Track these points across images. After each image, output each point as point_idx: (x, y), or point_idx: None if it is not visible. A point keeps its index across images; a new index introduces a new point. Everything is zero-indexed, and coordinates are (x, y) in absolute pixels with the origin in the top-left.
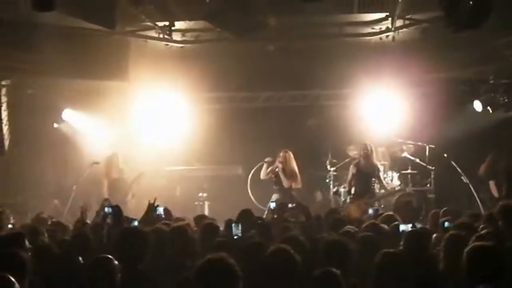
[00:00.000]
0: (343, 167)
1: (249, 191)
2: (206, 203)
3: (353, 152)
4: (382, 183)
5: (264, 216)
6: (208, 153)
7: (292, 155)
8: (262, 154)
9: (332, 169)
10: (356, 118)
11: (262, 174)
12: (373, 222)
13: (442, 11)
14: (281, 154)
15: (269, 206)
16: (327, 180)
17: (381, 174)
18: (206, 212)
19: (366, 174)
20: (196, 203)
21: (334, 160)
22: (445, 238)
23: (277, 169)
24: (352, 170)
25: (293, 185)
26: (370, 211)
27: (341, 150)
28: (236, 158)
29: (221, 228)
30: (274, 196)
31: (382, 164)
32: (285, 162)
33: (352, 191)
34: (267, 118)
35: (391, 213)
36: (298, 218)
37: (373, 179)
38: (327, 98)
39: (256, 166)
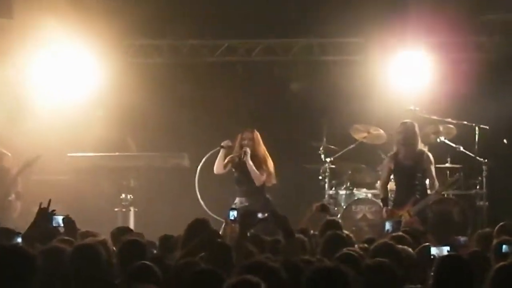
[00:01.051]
0: (344, 157)
1: (197, 191)
2: (132, 210)
3: (360, 134)
4: (434, 180)
5: (221, 232)
6: (136, 132)
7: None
8: (218, 135)
9: (328, 160)
10: (366, 82)
11: (217, 166)
12: (386, 242)
13: None
14: (246, 134)
15: (228, 216)
16: (321, 177)
17: (432, 167)
18: (131, 224)
19: (409, 168)
20: (117, 209)
21: (332, 147)
22: (498, 269)
23: (242, 157)
24: (388, 164)
25: (267, 182)
26: (388, 225)
27: (343, 131)
28: (179, 142)
29: (154, 250)
30: (237, 200)
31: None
32: (253, 145)
33: (387, 196)
34: (227, 80)
35: (418, 227)
36: (274, 235)
37: (419, 174)
38: (322, 50)
39: (209, 154)
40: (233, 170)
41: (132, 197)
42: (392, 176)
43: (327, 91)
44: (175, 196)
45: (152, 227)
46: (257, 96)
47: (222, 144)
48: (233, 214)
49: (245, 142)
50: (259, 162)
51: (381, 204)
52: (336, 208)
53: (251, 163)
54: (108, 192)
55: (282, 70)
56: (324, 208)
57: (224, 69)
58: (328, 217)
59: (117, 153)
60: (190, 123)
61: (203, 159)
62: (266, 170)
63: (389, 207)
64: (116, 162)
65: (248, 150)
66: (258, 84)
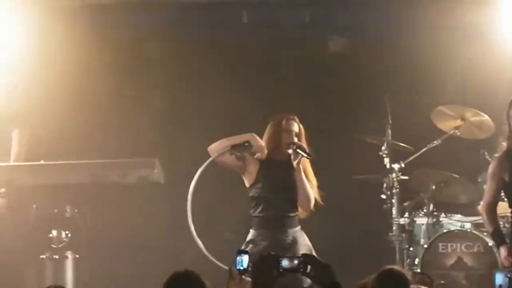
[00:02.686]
0: (423, 161)
1: (190, 221)
2: (70, 257)
3: (448, 122)
4: None
5: None
6: (76, 125)
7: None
8: (218, 128)
9: (395, 166)
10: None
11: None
12: None
13: None
14: (288, 123)
15: (235, 263)
16: (384, 196)
17: None
18: (69, 280)
19: None
20: (45, 256)
21: (402, 145)
22: None
23: (293, 159)
24: (497, 171)
25: (311, 204)
26: (501, 278)
27: (419, 119)
28: (145, 141)
29: None
30: (253, 234)
31: None
32: (300, 139)
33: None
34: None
35: None
36: None
37: None
38: None
39: (209, 160)
40: (254, 180)
41: (69, 235)
42: (503, 192)
43: (390, 52)
44: (141, 230)
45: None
46: (270, 63)
47: (231, 142)
48: (242, 260)
49: (292, 135)
50: (306, 174)
51: (488, 240)
52: (411, 248)
53: (303, 174)
54: (31, 228)
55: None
56: None
57: (221, 21)
58: None
59: (42, 162)
60: (167, 113)
61: (198, 172)
62: (314, 187)
63: (507, 245)
64: (42, 176)
65: (304, 146)
66: (272, 46)
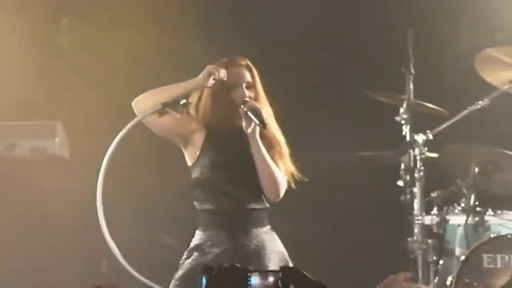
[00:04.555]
0: (460, 133)
1: (101, 214)
2: None
3: (500, 73)
4: None
5: None
6: None
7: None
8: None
9: (419, 138)
10: None
11: (167, 121)
12: None
13: None
14: (236, 69)
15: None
16: (402, 182)
17: None
18: None
19: None
20: None
21: (429, 105)
22: None
23: (246, 127)
24: None
25: (280, 191)
26: None
27: (454, 67)
28: (43, 97)
29: None
30: (200, 237)
31: None
32: (255, 92)
33: None
34: None
35: None
36: None
37: None
38: None
39: (132, 123)
40: (198, 155)
41: None
42: None
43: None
44: (33, 228)
45: None
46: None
47: (185, 87)
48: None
49: (242, 89)
50: (269, 142)
51: None
52: (440, 261)
53: (261, 147)
54: None
55: None
56: None
57: None
58: None
59: None
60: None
61: (117, 139)
62: (282, 161)
63: None
64: None
65: (260, 109)
66: None
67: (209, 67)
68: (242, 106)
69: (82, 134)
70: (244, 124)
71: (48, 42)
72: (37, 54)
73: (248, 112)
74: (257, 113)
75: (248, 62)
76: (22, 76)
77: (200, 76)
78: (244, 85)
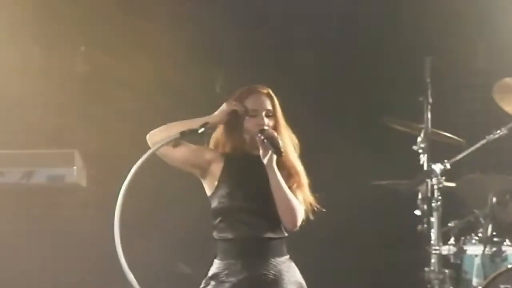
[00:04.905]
0: (477, 162)
1: (118, 244)
2: None
3: None
4: None
5: None
6: None
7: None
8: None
9: (437, 167)
10: None
11: (180, 150)
12: None
13: None
14: (256, 97)
15: None
16: (419, 212)
17: None
18: None
19: None
20: None
21: (446, 134)
22: None
23: (264, 156)
24: None
25: (297, 221)
26: None
27: (473, 94)
28: (61, 126)
29: None
30: (218, 266)
31: None
32: (276, 127)
33: None
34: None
35: None
36: None
37: None
38: None
39: (146, 155)
40: (216, 185)
41: None
42: None
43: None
44: (48, 258)
45: None
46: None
47: (202, 122)
48: None
49: (261, 117)
50: (288, 172)
51: None
52: None
53: (279, 176)
54: None
55: None
56: None
57: None
58: None
59: None
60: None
61: (133, 169)
62: (301, 191)
63: None
64: None
65: (277, 137)
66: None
67: (226, 104)
68: (259, 135)
69: (99, 162)
70: (261, 152)
71: (65, 70)
72: (54, 82)
73: (265, 141)
74: (274, 141)
75: (269, 91)
76: (40, 104)
77: (217, 113)
78: (263, 113)
